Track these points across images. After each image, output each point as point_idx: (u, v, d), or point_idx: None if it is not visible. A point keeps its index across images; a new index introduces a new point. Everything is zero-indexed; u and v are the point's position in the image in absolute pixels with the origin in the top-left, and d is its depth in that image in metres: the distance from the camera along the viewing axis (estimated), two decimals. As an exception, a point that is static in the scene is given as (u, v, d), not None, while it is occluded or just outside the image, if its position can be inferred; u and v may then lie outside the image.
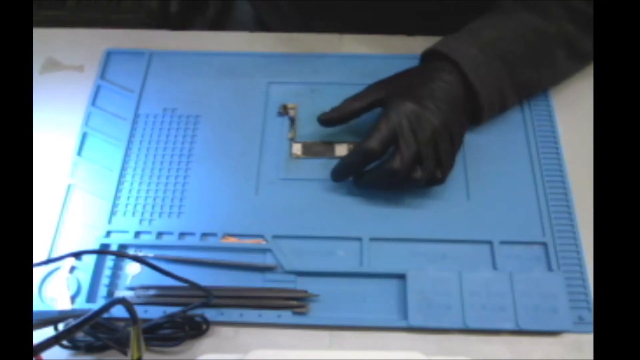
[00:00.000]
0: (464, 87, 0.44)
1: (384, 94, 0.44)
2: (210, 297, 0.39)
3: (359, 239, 0.43)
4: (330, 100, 0.50)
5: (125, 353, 0.37)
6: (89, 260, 0.42)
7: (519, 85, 0.46)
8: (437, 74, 0.44)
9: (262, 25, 0.68)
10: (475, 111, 0.46)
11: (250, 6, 0.71)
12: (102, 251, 0.43)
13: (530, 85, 0.48)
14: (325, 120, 0.46)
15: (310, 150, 0.48)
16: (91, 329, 0.38)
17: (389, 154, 0.42)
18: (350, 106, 0.45)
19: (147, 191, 0.46)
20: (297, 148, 0.48)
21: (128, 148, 0.48)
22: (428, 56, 0.47)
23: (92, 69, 0.54)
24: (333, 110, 0.46)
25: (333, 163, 0.47)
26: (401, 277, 0.41)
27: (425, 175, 0.41)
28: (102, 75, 0.53)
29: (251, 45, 0.55)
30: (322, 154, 0.48)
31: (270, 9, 0.63)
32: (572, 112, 0.50)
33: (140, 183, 0.46)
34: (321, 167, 0.47)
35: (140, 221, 0.45)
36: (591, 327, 0.39)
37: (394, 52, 0.54)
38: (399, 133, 0.41)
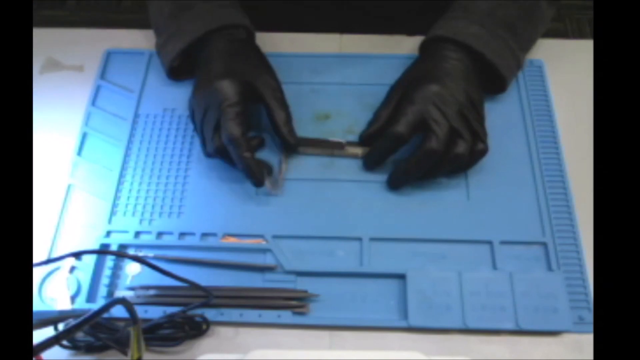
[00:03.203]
0: (472, 60, 0.46)
1: (403, 89, 0.46)
2: (210, 297, 0.39)
3: (359, 239, 0.43)
4: (331, 100, 0.51)
5: (125, 353, 0.37)
6: (89, 260, 0.42)
7: (523, 43, 0.48)
8: (444, 54, 0.46)
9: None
10: (494, 81, 0.48)
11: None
12: (102, 251, 0.43)
13: (531, 39, 0.50)
14: (367, 138, 0.47)
15: (309, 143, 0.48)
16: (91, 329, 0.38)
17: (416, 142, 0.43)
18: (381, 117, 0.46)
19: (147, 191, 0.46)
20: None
21: (128, 148, 0.48)
22: (431, 43, 0.48)
23: (92, 69, 0.54)
24: (368, 127, 0.47)
25: (333, 163, 0.47)
26: (401, 277, 0.41)
27: (467, 147, 0.42)
28: (102, 75, 0.53)
29: (251, 45, 0.55)
30: (320, 153, 0.48)
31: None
32: (572, 111, 0.50)
33: (140, 183, 0.46)
34: (321, 167, 0.47)
35: (140, 221, 0.45)
36: (591, 327, 0.39)
37: (394, 52, 0.54)
38: (427, 115, 0.42)
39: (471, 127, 0.43)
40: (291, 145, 0.46)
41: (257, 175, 0.43)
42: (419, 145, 0.42)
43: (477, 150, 0.43)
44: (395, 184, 0.45)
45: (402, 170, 0.44)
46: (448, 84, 0.43)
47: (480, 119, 0.44)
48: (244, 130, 0.42)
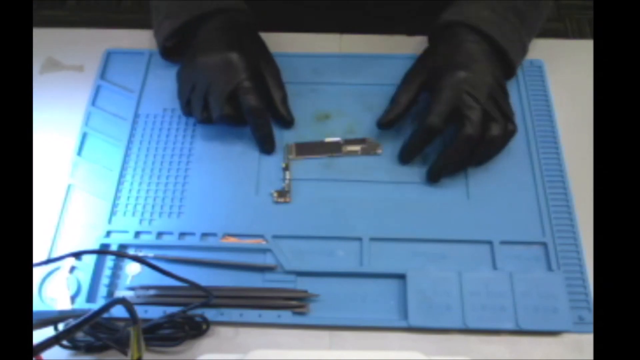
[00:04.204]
0: (488, 43, 0.46)
1: (425, 76, 0.46)
2: (210, 297, 0.39)
3: (359, 239, 0.43)
4: (331, 100, 0.51)
5: (125, 353, 0.37)
6: (89, 260, 0.42)
7: (530, 27, 0.48)
8: (461, 38, 0.45)
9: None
10: (503, 65, 0.48)
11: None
12: (102, 251, 0.43)
13: (537, 23, 0.50)
14: (386, 123, 0.46)
15: (308, 151, 0.48)
16: (91, 329, 0.38)
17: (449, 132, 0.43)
18: (401, 101, 0.46)
19: (147, 191, 0.46)
20: (291, 150, 0.48)
21: (128, 148, 0.48)
22: (443, 28, 0.48)
23: (92, 69, 0.54)
24: (388, 111, 0.46)
25: (332, 162, 0.47)
26: (401, 277, 0.41)
27: (501, 128, 0.42)
28: (102, 75, 0.53)
29: (251, 45, 0.55)
30: (320, 154, 0.48)
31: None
32: (572, 111, 0.50)
33: (140, 183, 0.46)
34: (321, 167, 0.47)
35: (140, 221, 0.45)
36: (591, 327, 0.39)
37: (394, 52, 0.54)
38: (460, 103, 0.42)
39: (501, 108, 0.43)
40: (288, 121, 0.49)
41: (273, 145, 0.47)
42: (455, 134, 0.42)
43: (508, 131, 0.43)
44: (435, 177, 0.45)
45: (443, 161, 0.44)
46: (474, 68, 0.43)
47: (507, 99, 0.45)
48: (263, 103, 0.44)
